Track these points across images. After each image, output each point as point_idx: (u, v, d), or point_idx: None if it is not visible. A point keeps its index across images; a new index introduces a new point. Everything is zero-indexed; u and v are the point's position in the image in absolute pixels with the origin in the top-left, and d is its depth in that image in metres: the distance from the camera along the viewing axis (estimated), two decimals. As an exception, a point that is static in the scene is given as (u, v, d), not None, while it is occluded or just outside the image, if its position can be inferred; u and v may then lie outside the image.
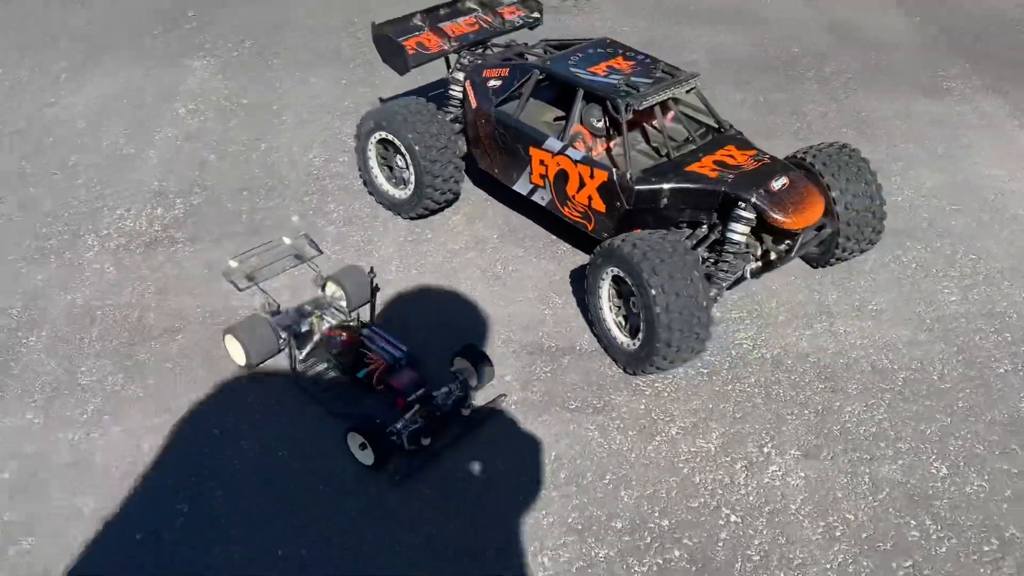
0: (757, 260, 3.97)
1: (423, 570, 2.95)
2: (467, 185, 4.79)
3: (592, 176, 4.03)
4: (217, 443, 3.34)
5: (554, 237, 4.51)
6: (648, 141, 4.30)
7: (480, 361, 3.57)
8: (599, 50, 4.42)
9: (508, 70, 4.47)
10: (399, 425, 3.34)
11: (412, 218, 4.56)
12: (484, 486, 3.26)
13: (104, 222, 4.41)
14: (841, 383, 3.78)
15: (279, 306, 3.78)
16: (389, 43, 4.61)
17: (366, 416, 3.33)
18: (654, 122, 4.23)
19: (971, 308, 4.17)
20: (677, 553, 3.06)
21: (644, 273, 3.48)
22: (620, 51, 4.41)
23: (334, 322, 3.72)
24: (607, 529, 3.14)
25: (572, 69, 4.23)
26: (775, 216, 3.75)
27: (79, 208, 4.49)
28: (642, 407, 3.63)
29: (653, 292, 3.45)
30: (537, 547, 3.06)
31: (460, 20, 4.92)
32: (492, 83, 4.53)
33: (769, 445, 3.50)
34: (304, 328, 3.69)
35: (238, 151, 5.02)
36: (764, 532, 3.14)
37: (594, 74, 4.19)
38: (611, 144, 4.18)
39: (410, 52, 4.61)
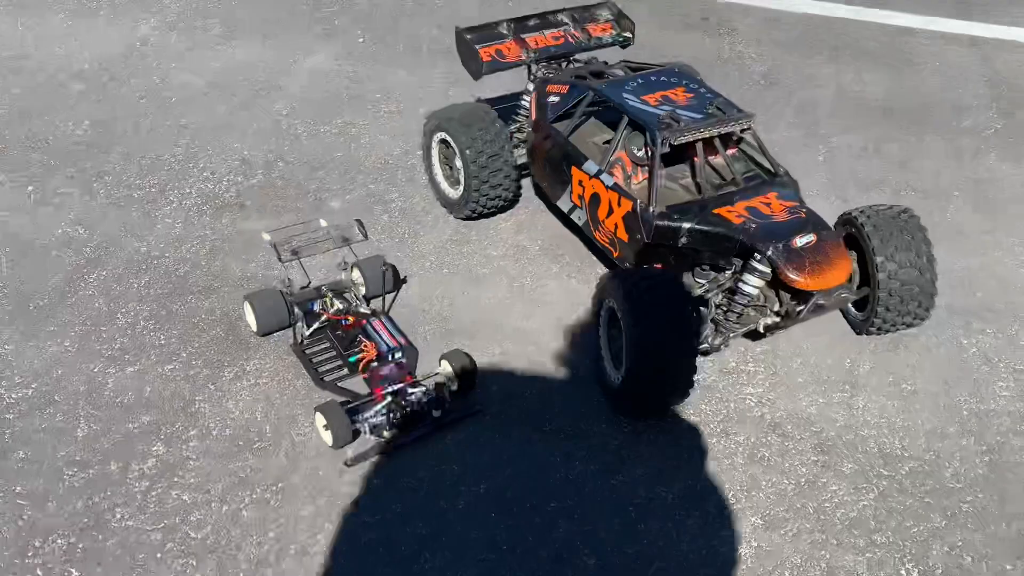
0: (775, 315, 3.81)
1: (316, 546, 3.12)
2: (528, 194, 4.87)
3: (619, 204, 4.00)
4: (209, 396, 3.65)
5: (594, 259, 4.50)
6: (694, 176, 4.20)
7: (464, 368, 3.67)
8: (663, 78, 4.35)
9: (568, 87, 4.50)
10: (367, 414, 3.51)
11: (462, 218, 4.70)
12: (430, 490, 3.37)
13: (190, 181, 4.85)
14: (836, 459, 3.56)
15: (307, 284, 4.05)
16: (467, 47, 4.75)
17: (338, 400, 3.53)
18: (702, 158, 4.13)
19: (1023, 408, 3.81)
20: None
21: (624, 309, 3.44)
22: (685, 82, 4.32)
23: (342, 306, 3.94)
24: (531, 555, 3.16)
25: (624, 95, 4.19)
26: (788, 274, 3.58)
27: (173, 166, 4.96)
28: (615, 443, 3.59)
29: (631, 329, 3.41)
30: (455, 556, 3.13)
31: (547, 32, 4.99)
32: (552, 99, 4.56)
33: (731, 507, 3.37)
34: (316, 307, 3.93)
35: (329, 132, 5.35)
36: (687, 594, 3.07)
37: (645, 102, 4.14)
38: (646, 176, 4.13)
39: (485, 59, 4.74)
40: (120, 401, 3.60)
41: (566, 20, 5.03)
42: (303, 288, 4.06)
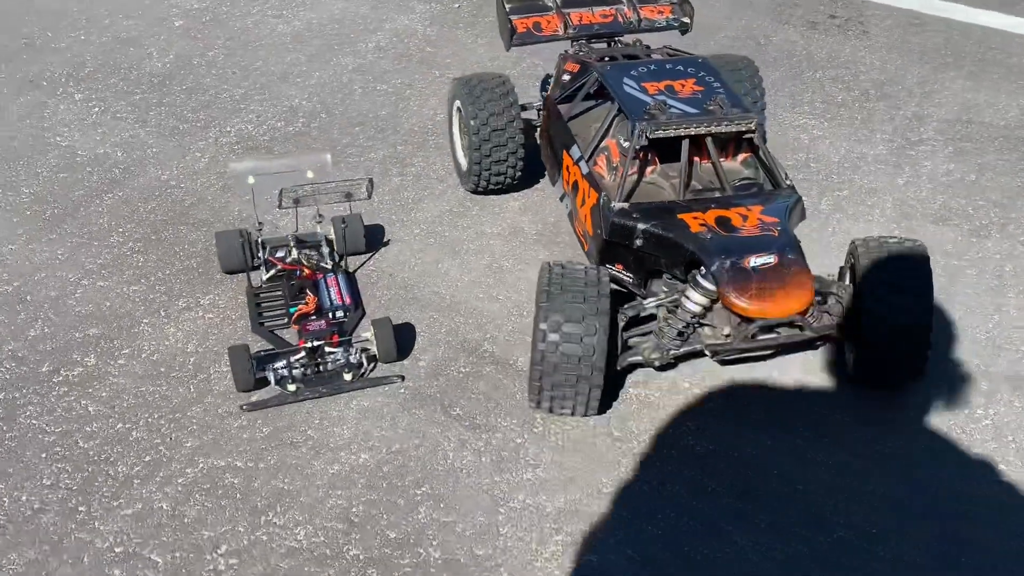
0: (724, 339, 3.40)
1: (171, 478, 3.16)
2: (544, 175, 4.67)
3: (589, 195, 3.73)
4: (155, 321, 3.82)
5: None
6: (689, 176, 3.84)
7: (387, 337, 3.60)
8: (679, 67, 3.99)
9: (580, 66, 4.23)
10: (278, 364, 3.53)
11: (468, 191, 4.58)
12: (311, 449, 3.34)
13: (232, 122, 5.06)
14: (754, 506, 3.17)
15: (277, 228, 4.13)
16: (503, 16, 4.60)
17: (254, 346, 3.57)
18: (699, 158, 3.76)
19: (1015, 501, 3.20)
20: None
21: (538, 303, 3.21)
22: (701, 73, 3.93)
23: (302, 258, 3.96)
24: (378, 534, 3.05)
25: (625, 80, 3.89)
26: (727, 294, 3.18)
27: (224, 106, 5.19)
28: (518, 441, 3.38)
29: (540, 326, 3.18)
30: (305, 518, 3.10)
31: (596, 10, 4.72)
32: (565, 77, 4.32)
33: (605, 537, 3.09)
34: (280, 254, 3.99)
35: (383, 91, 5.38)
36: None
37: (644, 90, 3.82)
38: (634, 169, 3.82)
39: (520, 30, 4.56)
40: (79, 311, 3.85)
41: (622, -1, 4.76)
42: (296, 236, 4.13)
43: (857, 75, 5.75)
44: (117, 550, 2.97)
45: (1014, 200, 4.72)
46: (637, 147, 3.59)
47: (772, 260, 3.25)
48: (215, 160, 4.76)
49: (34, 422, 3.38)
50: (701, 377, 3.66)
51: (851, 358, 3.55)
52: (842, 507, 3.21)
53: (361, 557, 3.00)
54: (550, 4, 4.65)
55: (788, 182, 3.70)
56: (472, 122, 4.27)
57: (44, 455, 3.26)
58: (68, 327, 3.77)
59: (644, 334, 3.47)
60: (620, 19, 4.65)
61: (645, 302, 3.46)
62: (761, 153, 3.73)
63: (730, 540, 3.10)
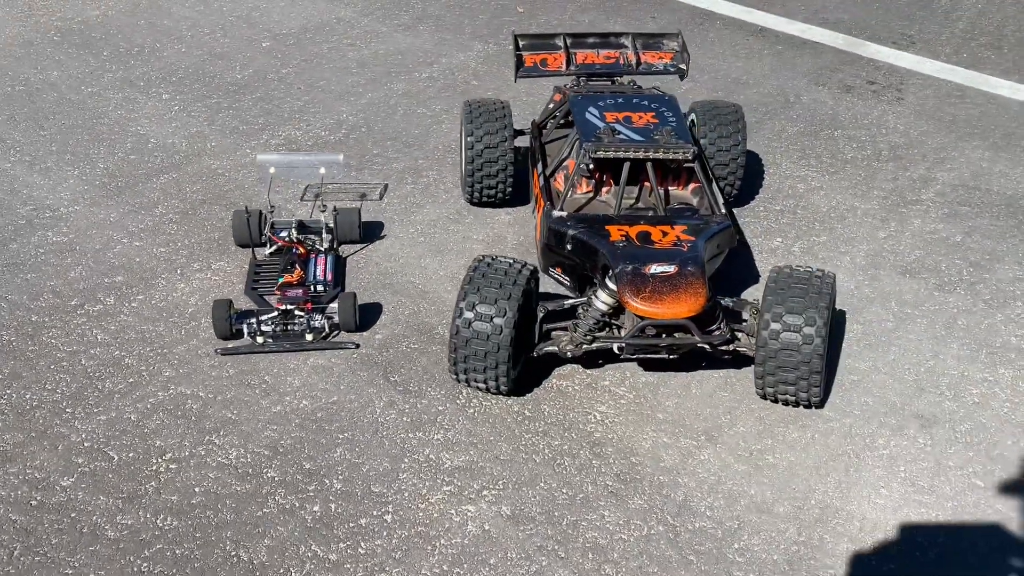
0: (635, 337, 3.73)
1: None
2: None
3: (540, 206, 4.17)
4: (171, 277, 4.50)
5: (556, 263, 4.68)
6: (638, 198, 4.22)
7: (348, 309, 4.13)
8: (644, 102, 4.40)
9: (562, 95, 4.70)
10: (252, 319, 4.12)
11: (465, 201, 5.09)
12: (263, 391, 3.89)
13: (284, 128, 5.79)
14: (631, 489, 3.49)
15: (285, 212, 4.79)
16: (515, 51, 5.13)
17: (231, 301, 4.16)
18: (623, 180, 4.12)
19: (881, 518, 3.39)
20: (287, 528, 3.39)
21: (462, 286, 3.66)
22: (663, 109, 4.34)
23: (300, 237, 4.57)
24: (296, 463, 3.56)
25: (589, 108, 4.35)
26: (623, 294, 3.56)
27: (282, 115, 5.93)
28: (440, 408, 3.84)
29: (459, 304, 3.62)
30: (240, 443, 3.63)
31: (601, 52, 5.19)
32: (551, 105, 4.80)
33: (493, 492, 3.47)
34: (282, 233, 4.62)
35: (422, 114, 6.00)
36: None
37: (602, 117, 4.26)
38: (590, 187, 4.24)
39: (527, 64, 5.09)
40: (113, 262, 4.59)
41: (626, 43, 5.20)
42: (302, 219, 4.76)
43: (875, 137, 5.95)
44: (85, 444, 3.61)
45: (992, 263, 4.81)
46: (582, 165, 4.04)
47: (671, 269, 3.60)
48: (250, 156, 5.49)
49: (52, 341, 4.10)
50: (622, 379, 4.01)
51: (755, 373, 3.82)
52: (712, 502, 3.48)
53: (276, 479, 3.51)
54: (559, 44, 5.17)
55: (722, 211, 4.03)
56: (468, 139, 4.81)
57: (52, 367, 3.97)
58: (100, 274, 4.52)
59: (563, 328, 3.86)
60: (621, 61, 5.11)
61: (565, 300, 3.86)
62: (701, 182, 4.08)
63: (599, 513, 3.43)
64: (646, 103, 4.40)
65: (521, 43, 5.18)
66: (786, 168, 5.61)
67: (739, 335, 3.84)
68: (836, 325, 4.32)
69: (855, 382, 4.06)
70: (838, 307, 4.44)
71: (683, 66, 5.10)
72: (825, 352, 3.63)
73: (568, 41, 5.18)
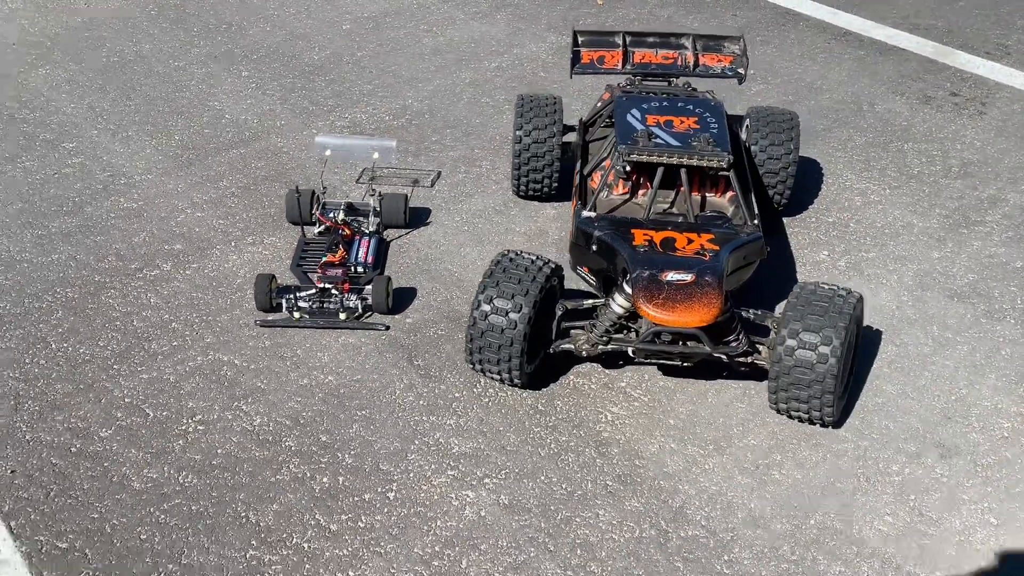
0: (646, 342, 3.76)
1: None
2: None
3: (573, 204, 4.21)
4: (224, 249, 4.75)
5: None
6: (673, 203, 4.21)
7: (381, 292, 4.28)
8: (689, 106, 4.38)
9: (609, 93, 4.70)
10: (291, 295, 4.32)
11: (513, 192, 5.17)
12: (293, 364, 4.09)
13: (351, 111, 5.98)
14: (629, 493, 3.53)
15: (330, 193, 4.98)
16: (574, 47, 5.16)
17: (280, 277, 4.38)
18: (655, 185, 4.14)
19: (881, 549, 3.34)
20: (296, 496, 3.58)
21: (483, 278, 3.75)
22: (706, 113, 4.31)
23: (347, 219, 4.75)
24: (313, 435, 3.74)
25: (632, 109, 4.36)
26: (637, 299, 3.59)
27: (352, 97, 6.13)
28: (456, 395, 3.96)
29: (478, 296, 3.72)
30: (265, 411, 3.84)
31: (660, 52, 5.17)
32: (599, 104, 4.80)
33: (492, 479, 3.57)
34: (331, 214, 4.80)
35: (485, 104, 6.10)
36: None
37: (643, 120, 4.27)
38: (626, 188, 4.26)
39: (584, 60, 5.12)
40: (175, 231, 4.88)
41: (686, 44, 5.16)
42: (349, 201, 4.95)
43: (947, 152, 5.73)
44: (126, 400, 3.90)
45: (1048, 293, 4.62)
46: (617, 167, 4.07)
47: (688, 278, 3.61)
48: (312, 136, 5.70)
49: (110, 301, 4.41)
50: (639, 382, 4.04)
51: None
52: (710, 512, 3.50)
53: (292, 448, 3.71)
54: (618, 42, 5.18)
55: (755, 222, 4.00)
56: (517, 132, 4.89)
57: (107, 325, 4.27)
58: (162, 240, 4.81)
59: (581, 327, 3.92)
60: (679, 62, 5.08)
61: (585, 300, 3.91)
62: (736, 191, 4.05)
63: (594, 511, 3.50)
64: (691, 107, 4.38)
65: (580, 39, 5.22)
66: (847, 179, 5.48)
67: (760, 348, 3.83)
68: (869, 345, 4.26)
69: (879, 404, 3.98)
70: (875, 327, 4.36)
71: (742, 71, 5.04)
72: (841, 372, 3.58)
73: (627, 39, 5.19)
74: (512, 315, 3.66)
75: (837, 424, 3.86)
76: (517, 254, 3.85)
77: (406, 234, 4.92)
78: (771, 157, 4.79)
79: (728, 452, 3.75)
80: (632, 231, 3.88)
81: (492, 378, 3.90)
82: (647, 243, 3.80)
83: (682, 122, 4.27)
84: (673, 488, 3.59)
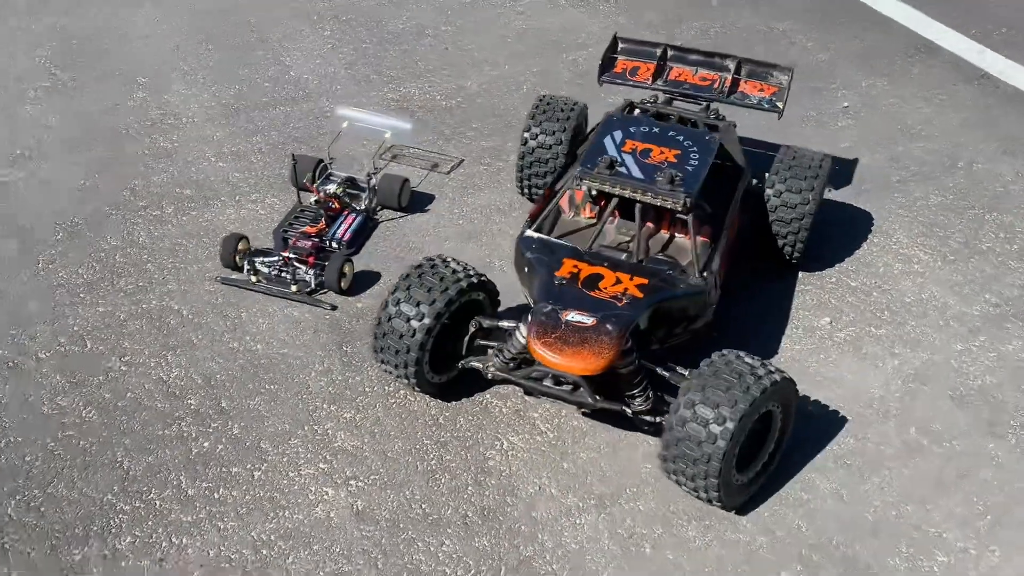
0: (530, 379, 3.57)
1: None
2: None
3: (529, 215, 4.02)
4: (235, 202, 4.93)
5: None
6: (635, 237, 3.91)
7: (333, 271, 4.30)
8: (679, 137, 4.03)
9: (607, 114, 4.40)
10: (257, 259, 4.42)
11: (518, 191, 4.99)
12: (230, 327, 4.20)
13: (408, 86, 5.98)
14: (487, 525, 3.37)
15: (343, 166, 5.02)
16: (610, 52, 4.86)
17: (240, 235, 4.47)
18: (607, 215, 3.89)
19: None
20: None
21: (397, 282, 3.66)
22: (694, 148, 3.95)
23: (340, 195, 4.77)
24: (219, 394, 3.84)
25: (615, 132, 4.09)
26: (529, 334, 3.40)
27: (414, 71, 6.12)
28: (367, 389, 3.93)
29: (387, 297, 3.64)
30: (187, 363, 3.98)
31: (700, 71, 4.77)
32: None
33: (353, 472, 3.52)
34: (329, 187, 4.84)
35: (529, 89, 5.92)
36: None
37: (620, 145, 3.98)
38: (593, 213, 4.01)
39: (616, 69, 4.82)
40: (193, 177, 5.12)
41: (729, 67, 4.74)
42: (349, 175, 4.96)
43: (997, 182, 4.99)
44: (74, 328, 4.15)
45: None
46: (570, 189, 3.84)
47: (588, 322, 3.36)
48: (371, 108, 5.76)
49: (106, 233, 4.70)
50: (552, 416, 3.84)
51: None
52: (558, 570, 3.28)
53: (192, 407, 3.84)
54: (657, 54, 4.84)
55: (704, 275, 3.65)
56: (524, 133, 4.71)
57: (92, 255, 4.57)
58: (176, 184, 5.07)
59: (494, 348, 3.76)
60: (716, 85, 4.69)
61: (500, 321, 3.73)
62: (691, 236, 3.70)
63: (440, 539, 3.38)
64: (680, 139, 4.03)
65: (620, 45, 4.93)
66: (896, 241, 4.88)
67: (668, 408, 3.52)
68: (823, 431, 3.82)
69: (802, 501, 3.57)
70: (843, 412, 3.90)
71: (780, 104, 4.58)
72: (731, 454, 3.23)
73: (668, 53, 4.85)
74: (413, 323, 3.57)
75: (741, 510, 3.50)
76: (444, 261, 3.74)
77: (400, 217, 4.91)
78: (785, 204, 4.34)
79: (608, 512, 3.50)
80: (564, 260, 3.66)
81: (392, 376, 3.84)
82: (569, 276, 3.57)
83: (661, 153, 3.94)
84: (531, 535, 3.41)
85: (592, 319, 3.38)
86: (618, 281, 3.57)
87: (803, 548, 3.40)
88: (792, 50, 6.56)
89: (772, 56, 6.33)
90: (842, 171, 5.39)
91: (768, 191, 4.36)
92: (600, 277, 3.58)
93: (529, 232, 3.84)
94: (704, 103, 4.65)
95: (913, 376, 4.12)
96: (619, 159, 3.88)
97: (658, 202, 3.69)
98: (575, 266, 3.63)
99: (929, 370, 4.15)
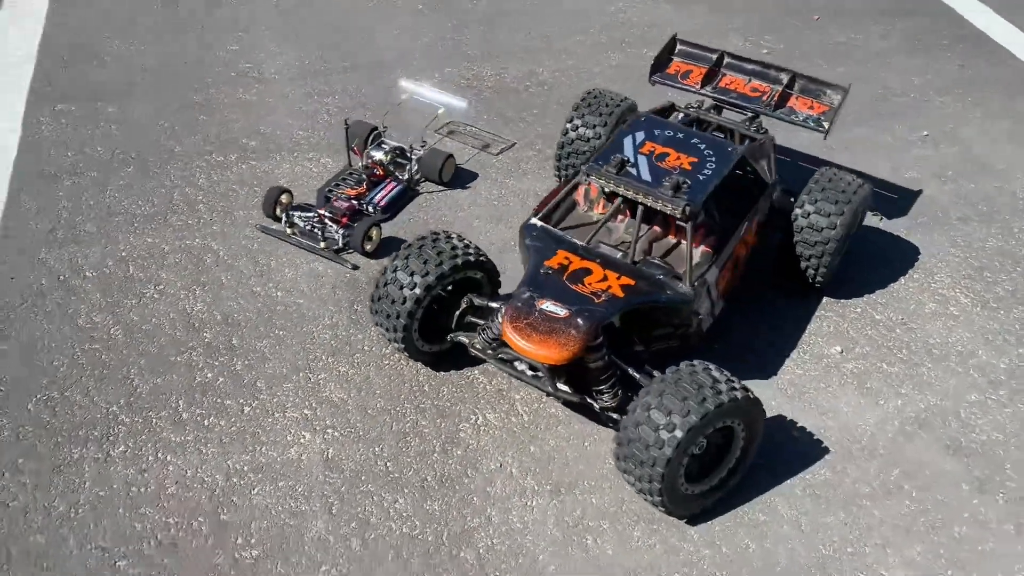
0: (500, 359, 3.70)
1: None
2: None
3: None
4: (290, 156, 5.22)
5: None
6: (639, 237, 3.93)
7: (359, 233, 4.52)
8: (700, 144, 4.00)
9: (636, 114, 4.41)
10: (295, 213, 4.69)
11: (556, 178, 5.07)
12: (258, 272, 4.49)
13: (479, 67, 6.14)
14: (436, 460, 3.52)
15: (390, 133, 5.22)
16: (666, 53, 4.84)
17: (284, 188, 4.76)
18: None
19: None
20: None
21: (400, 250, 3.83)
22: (712, 157, 3.91)
23: (385, 162, 4.98)
24: (234, 333, 4.13)
25: (637, 133, 4.11)
26: (504, 316, 3.49)
27: (488, 52, 6.28)
28: (365, 348, 4.14)
29: (388, 264, 3.82)
30: (210, 303, 4.29)
31: (752, 81, 4.69)
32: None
33: (332, 422, 3.73)
34: (376, 154, 5.05)
35: (600, 82, 5.93)
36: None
37: (639, 147, 4.01)
38: (605, 209, 4.06)
39: (670, 71, 4.81)
40: (260, 129, 5.46)
41: (783, 80, 4.65)
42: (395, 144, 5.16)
43: None
44: (122, 253, 4.56)
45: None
46: (578, 183, 3.91)
47: (561, 313, 3.44)
48: (440, 82, 5.95)
49: (172, 171, 5.10)
50: (533, 400, 3.95)
51: None
52: (496, 546, 3.42)
53: (206, 340, 4.15)
54: (711, 59, 4.79)
55: (689, 286, 3.65)
56: (567, 124, 4.78)
57: (156, 189, 4.97)
58: (245, 134, 5.42)
59: (482, 325, 3.88)
60: (765, 98, 4.61)
61: (491, 301, 3.84)
62: (688, 245, 3.69)
63: (395, 496, 3.57)
64: (702, 146, 4.00)
65: (678, 47, 4.91)
66: (939, 280, 4.68)
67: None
68: (798, 459, 3.78)
69: (757, 523, 3.54)
70: (827, 443, 3.84)
71: (826, 124, 4.47)
72: (677, 463, 3.25)
73: (724, 60, 4.80)
74: (405, 291, 3.74)
75: (693, 521, 3.52)
76: (448, 237, 3.88)
77: (439, 191, 5.09)
78: (811, 226, 4.25)
79: (561, 499, 3.58)
80: (558, 251, 3.74)
81: (383, 335, 4.01)
82: (558, 267, 3.64)
83: (677, 159, 3.94)
84: (481, 508, 3.54)
85: (565, 311, 3.46)
86: (605, 278, 3.62)
87: (745, 568, 3.40)
88: (883, 70, 6.32)
89: (860, 74, 6.19)
90: (900, 201, 5.20)
91: (797, 211, 4.28)
92: (588, 272, 3.65)
93: (534, 220, 3.93)
94: (750, 114, 4.61)
95: (913, 419, 3.99)
96: (632, 159, 3.91)
97: (658, 206, 3.71)
98: (567, 258, 3.71)
99: (933, 416, 4.01)
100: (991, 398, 4.11)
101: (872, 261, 4.77)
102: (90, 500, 3.49)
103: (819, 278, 4.39)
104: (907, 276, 4.71)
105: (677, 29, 6.55)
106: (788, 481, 3.70)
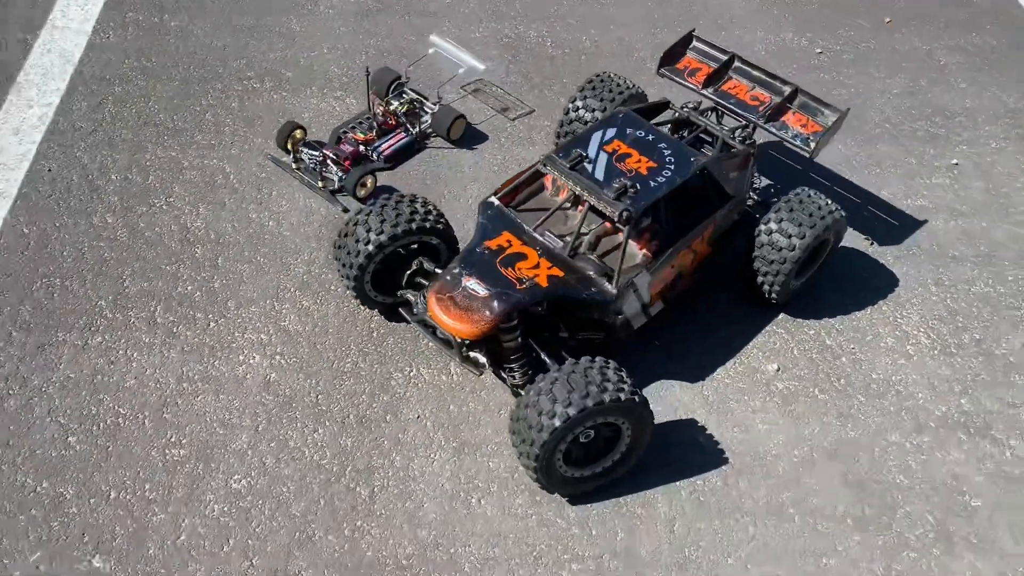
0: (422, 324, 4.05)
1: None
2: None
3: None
4: (313, 94, 5.56)
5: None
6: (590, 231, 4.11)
7: (353, 177, 4.84)
8: (667, 151, 4.10)
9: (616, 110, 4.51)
10: (306, 150, 5.04)
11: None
12: (258, 201, 4.89)
13: (524, 25, 6.26)
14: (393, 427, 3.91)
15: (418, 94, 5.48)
16: (680, 47, 4.88)
17: (298, 124, 5.10)
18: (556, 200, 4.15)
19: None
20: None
21: (361, 208, 4.14)
22: (668, 166, 4.02)
23: (401, 112, 5.25)
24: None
25: (608, 129, 4.27)
26: (431, 284, 3.76)
27: (537, 15, 6.37)
28: (331, 288, 4.50)
29: (354, 218, 4.14)
30: (206, 223, 4.73)
31: (756, 90, 4.70)
32: (622, 113, 4.62)
33: (291, 372, 4.15)
34: (392, 103, 5.32)
35: (649, 71, 5.97)
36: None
37: (604, 143, 4.15)
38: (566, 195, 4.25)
39: (679, 66, 4.85)
40: (301, 63, 5.81)
41: (785, 92, 4.63)
42: (412, 92, 5.42)
43: None
44: (146, 162, 5.05)
45: None
46: (538, 170, 4.11)
47: (482, 293, 3.69)
48: (472, 41, 6.12)
49: (211, 92, 5.53)
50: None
51: None
52: (387, 485, 3.80)
53: (196, 255, 4.61)
54: (722, 60, 4.80)
55: (614, 287, 3.82)
56: (569, 104, 4.92)
57: (190, 108, 5.42)
58: (285, 65, 5.78)
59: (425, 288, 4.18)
60: (760, 109, 4.62)
61: (436, 268, 4.12)
62: (621, 250, 3.85)
63: (316, 427, 3.98)
64: (666, 152, 4.10)
65: (694, 42, 4.94)
66: (906, 316, 4.68)
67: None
68: (694, 466, 3.95)
69: (634, 515, 3.80)
70: (726, 453, 4.00)
71: (813, 144, 4.47)
72: (551, 446, 3.51)
73: (732, 63, 4.81)
74: (360, 245, 4.07)
75: (574, 501, 3.79)
76: (412, 200, 4.16)
77: (446, 148, 5.34)
78: (771, 244, 4.32)
79: (462, 458, 3.91)
80: (504, 232, 3.97)
81: (342, 281, 4.35)
82: (496, 248, 3.89)
83: (637, 162, 4.06)
84: (388, 452, 3.91)
85: (486, 292, 3.72)
86: (537, 266, 3.85)
87: (606, 553, 3.67)
88: (937, 86, 6.11)
89: (910, 87, 6.03)
90: (898, 229, 5.14)
91: (760, 227, 4.35)
92: (523, 257, 3.88)
93: (492, 199, 4.16)
94: (744, 123, 4.65)
95: (824, 449, 4.10)
96: (592, 156, 4.07)
97: (599, 207, 3.88)
98: (508, 240, 3.94)
99: (845, 449, 4.11)
100: (911, 442, 4.17)
101: (845, 285, 4.80)
102: (61, 379, 4.05)
103: (774, 295, 4.47)
104: (875, 307, 4.73)
105: (734, 15, 6.54)
106: (677, 483, 3.92)
